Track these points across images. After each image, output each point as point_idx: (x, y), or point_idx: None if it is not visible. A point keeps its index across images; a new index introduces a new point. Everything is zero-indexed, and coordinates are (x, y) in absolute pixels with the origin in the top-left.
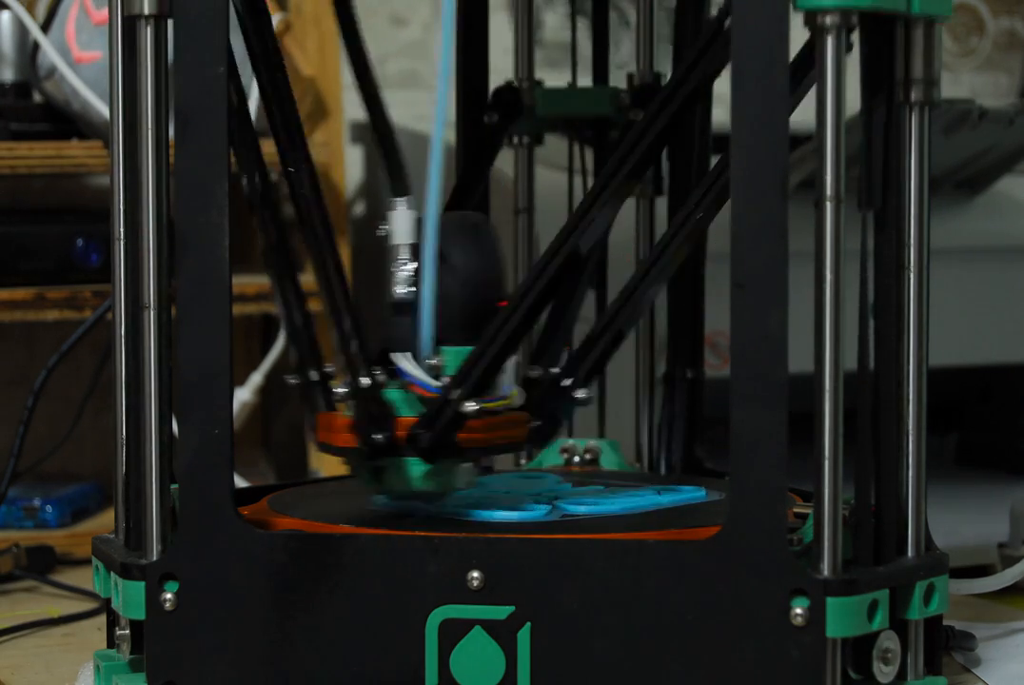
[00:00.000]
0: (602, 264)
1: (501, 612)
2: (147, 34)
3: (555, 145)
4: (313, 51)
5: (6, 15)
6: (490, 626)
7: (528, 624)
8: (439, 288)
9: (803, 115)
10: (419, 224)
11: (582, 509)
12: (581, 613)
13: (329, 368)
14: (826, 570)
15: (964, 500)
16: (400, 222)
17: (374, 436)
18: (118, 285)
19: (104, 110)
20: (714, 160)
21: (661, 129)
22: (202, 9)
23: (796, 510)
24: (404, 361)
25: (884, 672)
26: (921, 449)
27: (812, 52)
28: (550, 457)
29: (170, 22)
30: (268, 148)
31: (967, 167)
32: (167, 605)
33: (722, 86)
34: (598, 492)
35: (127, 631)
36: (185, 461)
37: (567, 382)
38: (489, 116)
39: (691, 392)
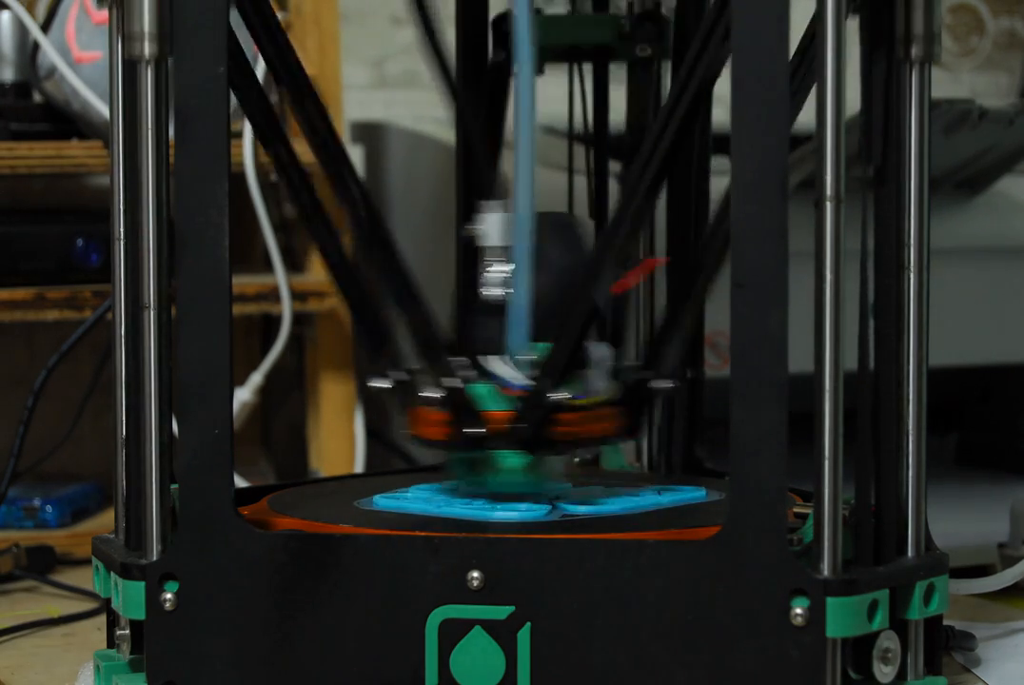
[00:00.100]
0: None
1: (501, 612)
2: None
3: (555, 145)
4: (313, 51)
5: (6, 15)
6: (490, 626)
7: (528, 624)
8: (534, 288)
9: (803, 116)
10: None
11: (582, 509)
12: (581, 613)
13: (415, 367)
14: (826, 570)
15: (964, 500)
16: (491, 224)
17: (470, 429)
18: (118, 285)
19: (104, 110)
20: (714, 161)
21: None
22: (202, 9)
23: (796, 510)
24: (496, 363)
25: (884, 672)
26: (921, 449)
27: (814, 36)
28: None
29: None
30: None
31: (967, 167)
32: (167, 605)
33: (722, 86)
34: (598, 492)
35: (127, 631)
36: (185, 461)
37: (648, 374)
38: (496, 53)
39: (691, 392)
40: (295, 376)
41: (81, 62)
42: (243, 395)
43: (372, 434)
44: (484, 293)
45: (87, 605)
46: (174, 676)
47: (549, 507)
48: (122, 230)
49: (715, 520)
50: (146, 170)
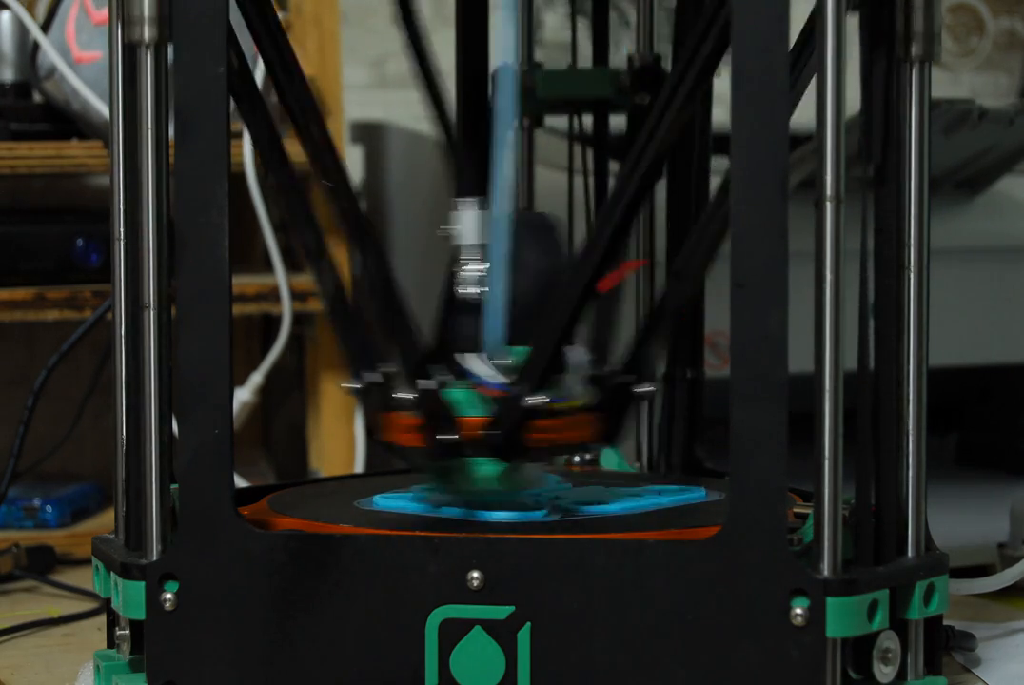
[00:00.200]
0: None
1: (501, 612)
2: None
3: (555, 145)
4: (313, 51)
5: (6, 15)
6: (490, 626)
7: (528, 624)
8: (508, 288)
9: (803, 116)
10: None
11: (582, 509)
12: (581, 613)
13: (389, 369)
14: (826, 570)
15: (964, 500)
16: (467, 222)
17: (442, 436)
18: (118, 285)
19: (104, 110)
20: (715, 161)
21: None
22: (202, 9)
23: (796, 510)
24: (473, 361)
25: (884, 672)
26: (921, 449)
27: (813, 31)
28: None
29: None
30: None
31: (967, 167)
32: (167, 605)
33: (722, 86)
34: (598, 492)
35: (127, 631)
36: (185, 461)
37: (628, 378)
38: (493, 100)
39: (691, 392)
40: (295, 376)
41: (81, 62)
42: (243, 395)
43: (372, 434)
44: (461, 291)
45: (87, 605)
46: (174, 676)
47: (549, 507)
48: (122, 230)
49: (715, 520)
50: (146, 170)
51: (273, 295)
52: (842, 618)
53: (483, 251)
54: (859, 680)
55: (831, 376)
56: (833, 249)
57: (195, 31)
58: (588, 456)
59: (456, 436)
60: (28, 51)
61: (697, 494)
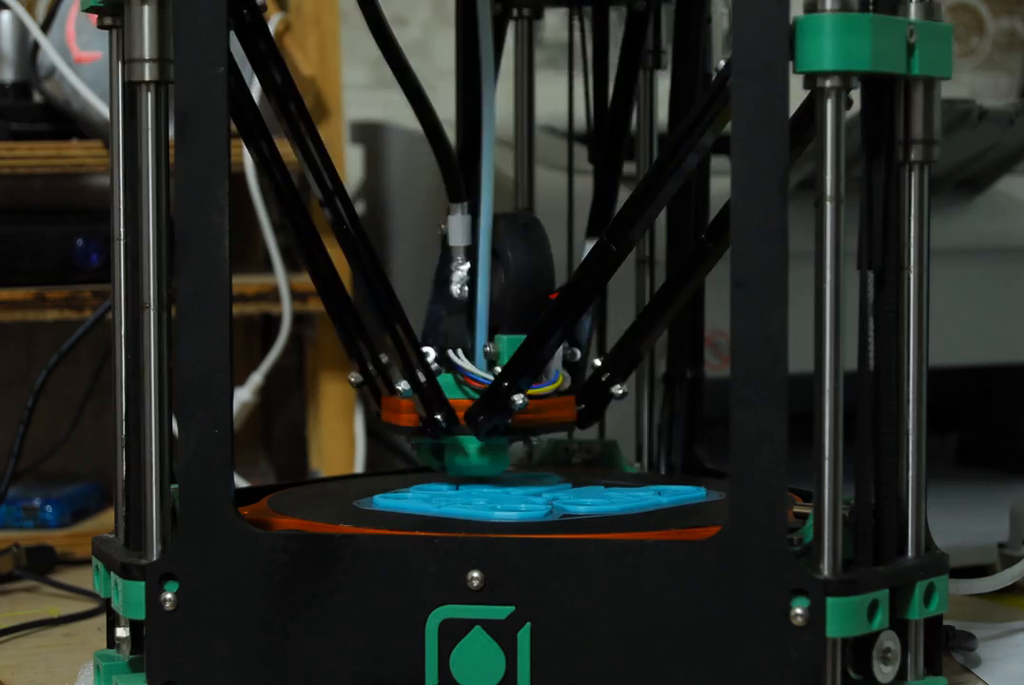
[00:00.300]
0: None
1: (501, 612)
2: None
3: (555, 145)
4: (313, 51)
5: (6, 15)
6: (490, 626)
7: (528, 624)
8: (494, 283)
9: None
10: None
11: (582, 509)
12: (581, 613)
13: (384, 359)
14: (826, 570)
15: (964, 500)
16: (456, 226)
17: (436, 417)
18: (118, 285)
19: (104, 110)
20: (714, 161)
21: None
22: (203, 10)
23: (796, 510)
24: (459, 358)
25: (884, 672)
26: (921, 449)
27: (811, 110)
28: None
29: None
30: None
31: (967, 167)
32: (167, 605)
33: None
34: (598, 492)
35: (127, 631)
36: (185, 461)
37: (606, 376)
38: (493, 7)
39: (691, 392)
40: (295, 376)
41: (81, 62)
42: (243, 395)
43: (372, 434)
44: (449, 290)
45: (87, 605)
46: (174, 676)
47: (549, 507)
48: (122, 230)
49: (715, 520)
50: (146, 170)
51: (273, 295)
52: (842, 618)
53: (469, 251)
54: (859, 680)
55: (831, 376)
56: (833, 249)
57: (196, 32)
58: (580, 449)
59: (446, 417)
60: (28, 51)
61: (697, 494)
